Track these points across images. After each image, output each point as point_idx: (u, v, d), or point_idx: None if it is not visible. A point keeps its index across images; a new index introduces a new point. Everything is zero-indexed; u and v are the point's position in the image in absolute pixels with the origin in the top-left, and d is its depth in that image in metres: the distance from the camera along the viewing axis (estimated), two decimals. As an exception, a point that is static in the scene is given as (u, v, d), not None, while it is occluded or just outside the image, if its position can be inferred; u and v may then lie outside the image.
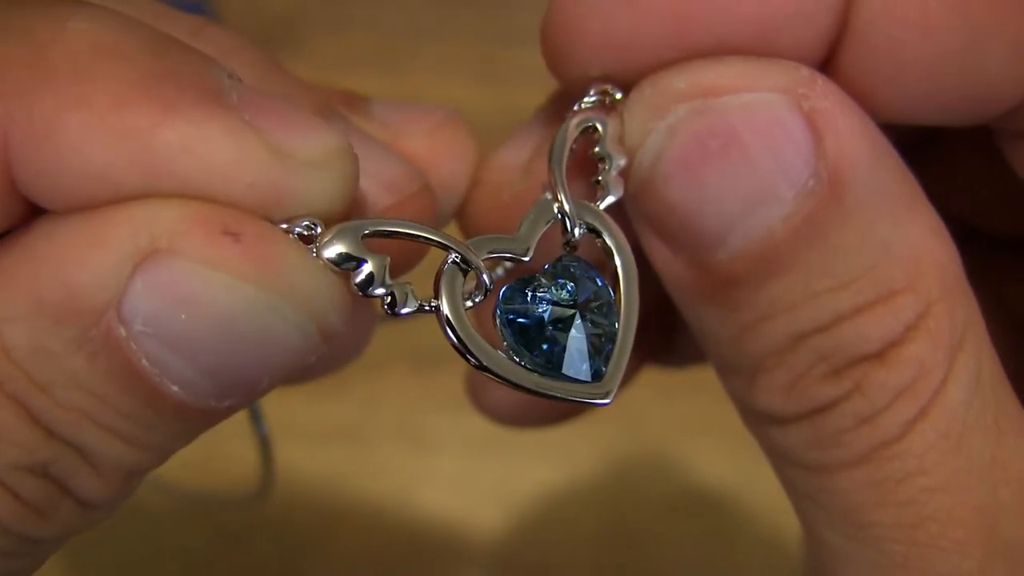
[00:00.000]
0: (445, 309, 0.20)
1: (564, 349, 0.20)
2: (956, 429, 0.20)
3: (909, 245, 0.20)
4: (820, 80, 0.20)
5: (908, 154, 0.21)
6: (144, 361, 0.18)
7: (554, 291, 0.20)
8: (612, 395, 0.21)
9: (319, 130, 0.20)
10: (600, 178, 0.22)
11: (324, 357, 0.24)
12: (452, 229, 0.24)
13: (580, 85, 0.22)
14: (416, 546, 0.47)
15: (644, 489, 0.48)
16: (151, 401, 0.19)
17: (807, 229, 0.20)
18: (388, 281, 0.19)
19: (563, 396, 0.20)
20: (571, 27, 0.22)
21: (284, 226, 0.19)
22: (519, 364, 0.20)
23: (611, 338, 0.21)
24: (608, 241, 0.21)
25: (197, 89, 0.19)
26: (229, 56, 0.22)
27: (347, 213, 0.20)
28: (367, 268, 0.19)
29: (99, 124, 0.18)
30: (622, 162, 0.21)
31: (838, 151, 0.20)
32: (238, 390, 0.19)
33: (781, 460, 0.22)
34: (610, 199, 0.21)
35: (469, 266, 0.20)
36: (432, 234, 0.20)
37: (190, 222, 0.18)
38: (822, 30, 0.21)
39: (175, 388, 0.18)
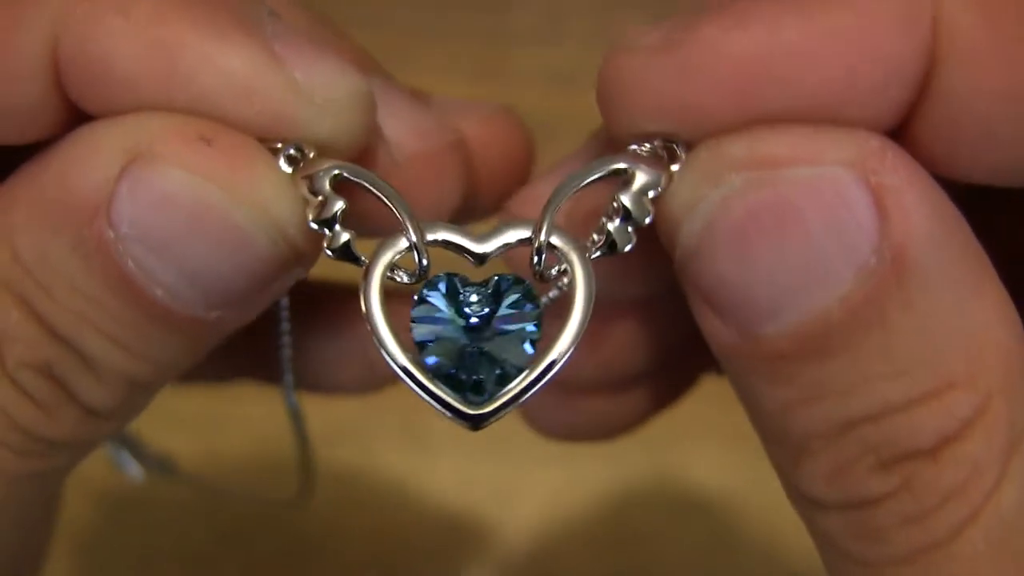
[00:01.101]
0: (370, 272, 0.20)
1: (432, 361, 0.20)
2: (1008, 535, 0.19)
3: (973, 333, 0.19)
4: (891, 152, 0.19)
5: (975, 201, 0.20)
6: (131, 263, 0.20)
7: (473, 305, 0.20)
8: (481, 425, 0.20)
9: (341, 71, 0.21)
10: (605, 222, 0.21)
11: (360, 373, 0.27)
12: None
13: (634, 139, 0.21)
14: (416, 546, 0.47)
15: (645, 491, 0.48)
16: (140, 306, 0.20)
17: (866, 311, 0.19)
18: (338, 220, 0.20)
19: (433, 400, 0.20)
20: (627, 86, 0.21)
21: (279, 145, 0.20)
22: (414, 360, 0.20)
23: (506, 376, 0.20)
24: (575, 289, 0.20)
25: (232, 15, 0.20)
26: (280, 6, 0.22)
27: (367, 153, 0.22)
28: (333, 205, 0.20)
29: (134, 33, 0.19)
30: (642, 218, 0.21)
31: (904, 230, 0.18)
32: (221, 299, 0.20)
33: (823, 541, 0.21)
34: (599, 253, 0.21)
35: (415, 246, 0.20)
36: (394, 200, 0.20)
37: (170, 130, 0.19)
38: (899, 101, 0.20)
39: (159, 292, 0.20)
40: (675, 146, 0.21)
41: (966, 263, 0.19)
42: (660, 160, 0.21)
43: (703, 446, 0.47)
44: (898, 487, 0.19)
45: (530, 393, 0.20)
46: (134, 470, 0.35)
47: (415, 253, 0.20)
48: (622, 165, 0.21)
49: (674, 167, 0.20)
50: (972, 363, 0.19)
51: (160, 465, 0.34)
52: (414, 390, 0.20)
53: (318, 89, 0.20)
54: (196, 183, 0.19)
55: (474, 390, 0.20)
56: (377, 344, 0.20)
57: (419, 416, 0.49)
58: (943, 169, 0.20)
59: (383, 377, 0.30)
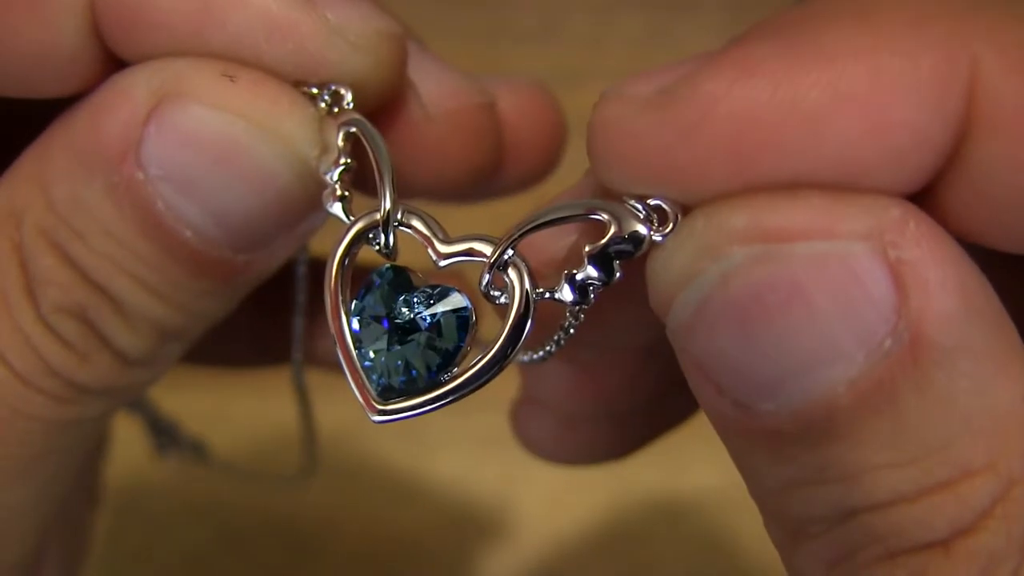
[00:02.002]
0: (341, 240, 0.20)
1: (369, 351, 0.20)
2: None
3: (994, 416, 0.17)
4: (912, 221, 0.17)
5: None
6: (160, 204, 0.20)
7: (410, 305, 0.20)
8: (381, 419, 0.20)
9: (376, 15, 0.21)
10: (568, 270, 0.19)
11: None
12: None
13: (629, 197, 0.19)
14: (416, 545, 0.47)
15: (645, 491, 0.48)
16: (170, 248, 0.20)
17: (876, 395, 0.17)
18: (338, 178, 0.21)
19: (350, 381, 0.20)
20: (617, 143, 0.18)
21: (315, 91, 0.21)
22: (349, 330, 0.20)
23: (413, 382, 0.20)
24: (504, 324, 0.20)
25: None
26: None
27: (401, 104, 0.22)
28: (336, 158, 0.21)
29: None
30: (606, 278, 0.19)
31: (924, 308, 0.17)
32: (248, 239, 0.21)
33: None
34: (547, 296, 0.20)
35: (387, 225, 0.20)
36: (385, 169, 0.21)
37: (194, 69, 0.20)
38: (924, 169, 0.17)
39: (188, 233, 0.20)
40: (666, 207, 0.19)
41: (990, 341, 0.17)
42: (648, 219, 0.19)
43: (703, 447, 0.46)
44: None
45: (425, 410, 0.20)
46: (173, 454, 0.35)
47: (381, 229, 0.20)
48: (603, 217, 0.19)
49: (660, 234, 0.19)
50: (992, 448, 0.17)
51: (194, 450, 0.35)
52: (339, 362, 0.20)
53: (349, 27, 0.21)
54: (220, 118, 0.20)
55: (383, 392, 0.20)
56: (327, 311, 0.20)
57: (420, 416, 0.50)
58: (971, 236, 0.18)
59: None
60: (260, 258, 0.21)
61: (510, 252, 0.20)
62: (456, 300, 0.20)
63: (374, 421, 0.20)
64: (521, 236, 0.20)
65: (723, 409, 0.18)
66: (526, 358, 0.22)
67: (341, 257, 0.20)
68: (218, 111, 0.20)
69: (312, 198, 0.21)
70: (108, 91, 0.20)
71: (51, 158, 0.21)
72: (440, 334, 0.20)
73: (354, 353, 0.20)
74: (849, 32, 0.17)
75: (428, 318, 0.20)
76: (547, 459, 0.30)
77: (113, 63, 0.21)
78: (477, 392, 0.20)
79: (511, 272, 0.20)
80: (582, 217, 0.20)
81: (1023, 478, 0.17)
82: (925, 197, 0.18)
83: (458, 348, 0.20)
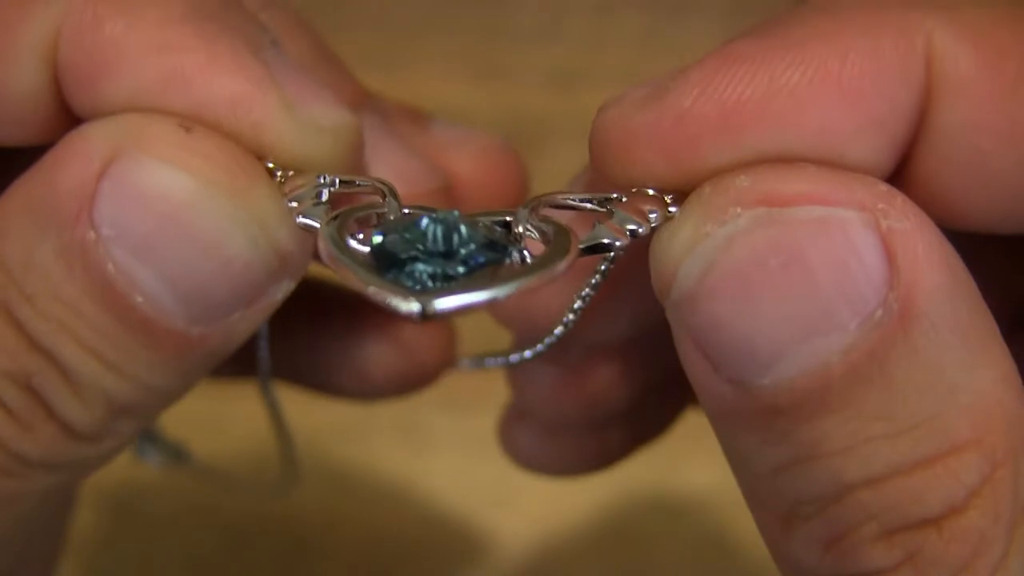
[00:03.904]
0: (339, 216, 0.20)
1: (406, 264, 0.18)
2: None
3: (978, 393, 0.18)
4: (900, 197, 0.18)
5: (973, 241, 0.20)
6: (111, 267, 0.19)
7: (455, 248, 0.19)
8: (426, 309, 0.17)
9: (332, 104, 0.21)
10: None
11: (392, 376, 0.26)
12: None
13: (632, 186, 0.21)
14: (416, 546, 0.47)
15: (643, 491, 0.48)
16: (120, 314, 0.19)
17: (868, 365, 0.17)
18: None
19: (368, 287, 0.17)
20: (617, 135, 0.20)
21: (268, 164, 0.20)
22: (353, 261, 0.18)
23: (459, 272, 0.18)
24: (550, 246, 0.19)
25: (236, 35, 0.20)
26: (284, 31, 0.23)
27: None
28: (321, 192, 0.20)
29: (139, 34, 0.20)
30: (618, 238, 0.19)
31: (913, 280, 0.17)
32: (202, 310, 0.20)
33: None
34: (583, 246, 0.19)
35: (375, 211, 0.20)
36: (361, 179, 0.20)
37: (150, 123, 0.19)
38: (895, 139, 0.19)
39: (140, 299, 0.19)
40: (668, 200, 0.20)
41: (973, 319, 0.18)
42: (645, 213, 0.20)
43: (701, 446, 0.46)
44: (901, 561, 0.18)
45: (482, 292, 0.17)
46: (153, 457, 0.35)
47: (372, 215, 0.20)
48: (601, 210, 0.20)
49: (657, 215, 0.20)
50: (977, 424, 0.18)
51: (175, 454, 0.35)
52: (350, 278, 0.18)
53: (308, 116, 0.20)
54: (175, 176, 0.19)
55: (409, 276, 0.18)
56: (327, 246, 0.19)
57: (418, 415, 0.49)
58: (942, 217, 0.19)
59: (378, 386, 0.30)
60: (216, 332, 0.20)
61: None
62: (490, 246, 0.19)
63: (412, 311, 0.17)
64: (539, 203, 0.20)
65: (717, 389, 0.19)
66: (525, 355, 0.22)
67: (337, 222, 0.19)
68: (174, 168, 0.19)
69: (271, 270, 0.20)
70: (64, 145, 0.20)
71: (5, 216, 0.20)
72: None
73: (365, 273, 0.18)
74: (817, 23, 0.19)
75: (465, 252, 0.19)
76: (533, 470, 0.31)
77: (75, 118, 0.21)
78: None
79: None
80: (591, 204, 0.20)
81: (1007, 459, 0.18)
82: (898, 183, 0.19)
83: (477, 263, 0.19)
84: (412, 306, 0.17)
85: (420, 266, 0.18)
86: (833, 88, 0.18)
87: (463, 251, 0.18)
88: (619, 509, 0.48)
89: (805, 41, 0.19)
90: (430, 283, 0.18)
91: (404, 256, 0.18)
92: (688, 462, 0.47)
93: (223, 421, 0.48)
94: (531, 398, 0.29)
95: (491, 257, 0.19)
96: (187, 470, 0.36)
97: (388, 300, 0.17)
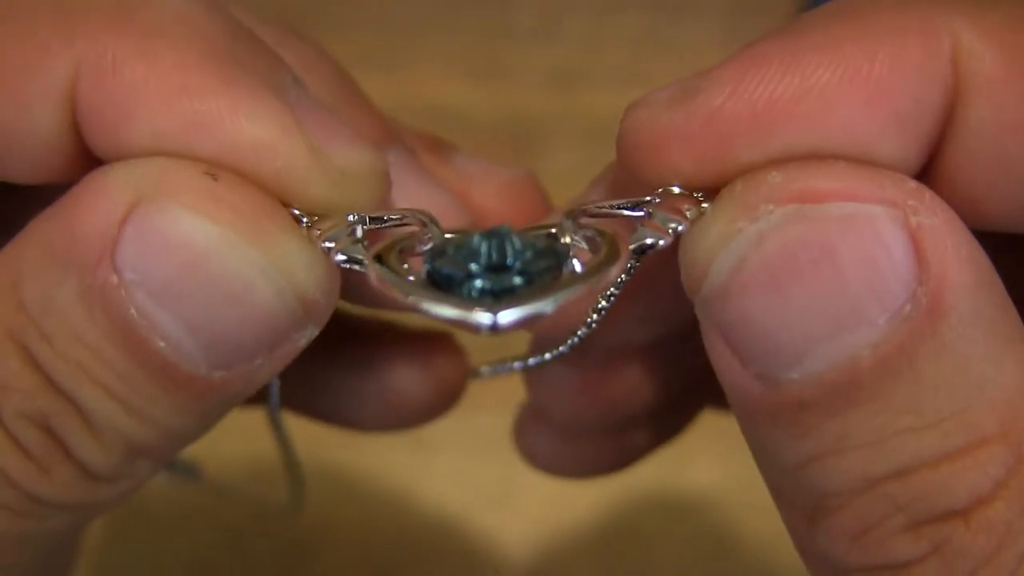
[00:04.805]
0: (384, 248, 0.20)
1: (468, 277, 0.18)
2: None
3: (1004, 387, 0.18)
4: (928, 193, 0.18)
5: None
6: (133, 311, 0.19)
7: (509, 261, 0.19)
8: (498, 321, 0.17)
9: (358, 146, 0.21)
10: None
11: (405, 409, 0.26)
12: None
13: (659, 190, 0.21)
14: (416, 547, 0.47)
15: (645, 491, 0.48)
16: (141, 358, 0.19)
17: (897, 359, 0.18)
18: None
19: (440, 307, 0.18)
20: (647, 136, 0.20)
21: (296, 212, 0.20)
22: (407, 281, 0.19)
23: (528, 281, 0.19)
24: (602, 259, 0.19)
25: (257, 77, 0.20)
26: (305, 68, 0.23)
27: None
28: (355, 232, 0.20)
29: (159, 77, 0.19)
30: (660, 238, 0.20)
31: (941, 275, 0.18)
32: (224, 357, 0.20)
33: None
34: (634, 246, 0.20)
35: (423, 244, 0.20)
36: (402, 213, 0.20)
37: (175, 169, 0.19)
38: (922, 137, 0.19)
39: (161, 344, 0.19)
40: (699, 197, 0.20)
41: (999, 315, 0.18)
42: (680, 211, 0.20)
43: (703, 446, 0.47)
44: (928, 553, 0.18)
45: (554, 301, 0.18)
46: (161, 474, 0.35)
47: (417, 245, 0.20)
48: (639, 213, 0.20)
49: (692, 212, 0.20)
50: (1004, 419, 0.18)
51: (187, 471, 0.34)
52: (421, 306, 0.18)
53: (335, 160, 0.20)
54: (200, 223, 0.19)
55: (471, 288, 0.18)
56: (380, 278, 0.19)
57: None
58: (968, 215, 0.19)
59: (405, 417, 0.30)
60: (238, 377, 0.20)
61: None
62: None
63: (486, 324, 0.17)
64: (579, 213, 0.20)
65: (745, 384, 0.19)
66: (546, 357, 0.22)
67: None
68: (199, 216, 0.19)
69: (296, 318, 0.20)
70: (85, 187, 0.19)
71: (24, 256, 0.20)
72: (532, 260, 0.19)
73: (427, 293, 0.18)
74: (844, 25, 0.19)
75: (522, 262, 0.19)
76: (549, 472, 0.31)
77: (93, 159, 0.20)
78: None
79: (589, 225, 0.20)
80: (625, 210, 0.21)
81: None
82: (926, 180, 0.19)
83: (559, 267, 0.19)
84: (483, 319, 0.17)
85: (478, 282, 0.18)
86: (862, 87, 0.19)
87: (518, 263, 0.19)
88: (619, 509, 0.48)
89: (834, 42, 0.19)
90: (492, 298, 0.18)
91: (460, 275, 0.19)
92: (689, 462, 0.47)
93: (226, 423, 0.48)
94: (549, 401, 0.29)
95: (551, 263, 0.19)
96: (199, 487, 0.35)
97: (463, 317, 0.18)
